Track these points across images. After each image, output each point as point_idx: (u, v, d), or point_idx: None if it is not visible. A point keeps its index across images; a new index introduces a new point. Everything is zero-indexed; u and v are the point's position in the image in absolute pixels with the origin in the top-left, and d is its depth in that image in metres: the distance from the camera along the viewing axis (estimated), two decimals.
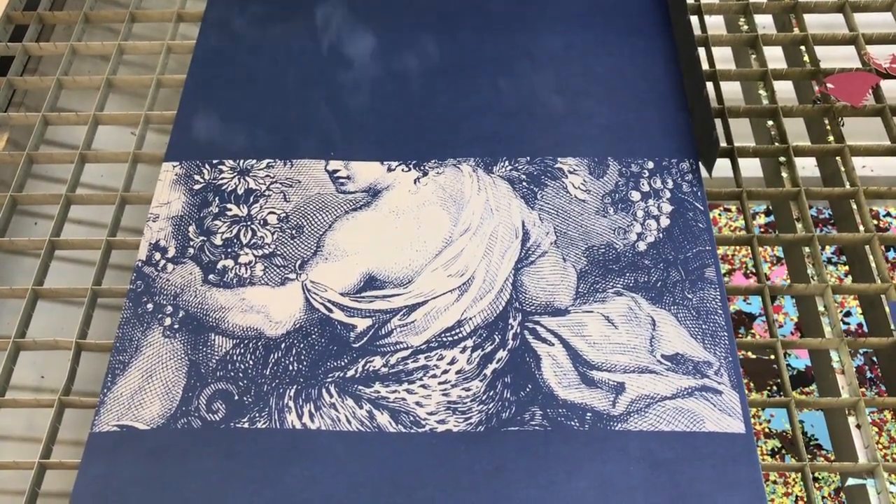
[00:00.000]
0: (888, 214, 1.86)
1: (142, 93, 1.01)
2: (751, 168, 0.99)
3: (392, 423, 0.72)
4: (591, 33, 1.00)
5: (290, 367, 0.76)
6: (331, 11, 1.03)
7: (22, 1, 1.09)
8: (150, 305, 0.80)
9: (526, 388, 0.74)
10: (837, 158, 0.93)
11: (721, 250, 1.75)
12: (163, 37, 1.04)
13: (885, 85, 0.96)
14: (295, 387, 0.75)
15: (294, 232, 0.84)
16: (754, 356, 1.67)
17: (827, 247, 1.71)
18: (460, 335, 0.77)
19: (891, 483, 0.74)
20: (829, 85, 0.94)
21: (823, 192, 0.89)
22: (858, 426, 0.75)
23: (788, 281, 0.94)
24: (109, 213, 0.89)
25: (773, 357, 0.76)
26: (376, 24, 1.02)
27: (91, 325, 0.83)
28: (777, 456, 1.58)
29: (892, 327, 0.80)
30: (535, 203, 0.85)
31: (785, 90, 1.01)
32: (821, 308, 0.83)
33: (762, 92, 0.99)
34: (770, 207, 1.75)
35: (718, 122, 0.91)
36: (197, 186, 0.88)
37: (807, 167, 1.05)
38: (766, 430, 1.61)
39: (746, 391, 1.62)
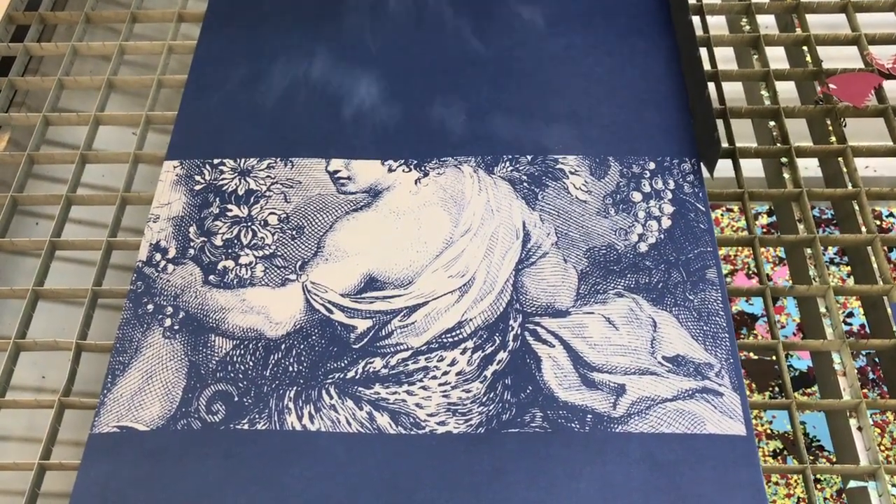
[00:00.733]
0: (891, 215, 1.86)
1: (143, 93, 1.01)
2: (753, 168, 0.99)
3: (392, 425, 0.72)
4: (593, 33, 0.99)
5: (291, 369, 0.76)
6: (331, 11, 1.03)
7: (23, 1, 1.09)
8: (150, 306, 0.80)
9: (526, 390, 0.74)
10: (840, 159, 0.92)
11: (723, 251, 1.75)
12: (164, 37, 1.04)
13: (888, 85, 0.95)
14: (295, 388, 0.74)
15: (294, 233, 0.84)
16: (756, 357, 1.66)
17: (829, 247, 1.71)
18: (461, 336, 0.77)
19: (893, 486, 0.73)
20: (831, 85, 0.94)
21: (826, 193, 0.88)
22: (860, 428, 0.75)
23: (790, 281, 0.94)
24: (110, 213, 0.89)
25: (774, 358, 0.76)
26: (377, 23, 1.01)
27: (92, 325, 0.83)
28: (779, 457, 1.57)
29: (895, 329, 0.80)
30: (536, 204, 0.85)
31: (787, 91, 1.01)
32: (822, 309, 0.82)
33: (764, 92, 0.99)
34: (772, 208, 1.75)
35: (720, 123, 0.91)
36: (197, 187, 0.88)
37: (809, 167, 1.05)
38: (768, 431, 1.61)
39: (748, 392, 1.62)
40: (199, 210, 0.86)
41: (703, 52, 0.97)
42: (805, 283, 0.86)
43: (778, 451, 1.58)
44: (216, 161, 0.89)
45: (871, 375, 1.61)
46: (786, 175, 0.92)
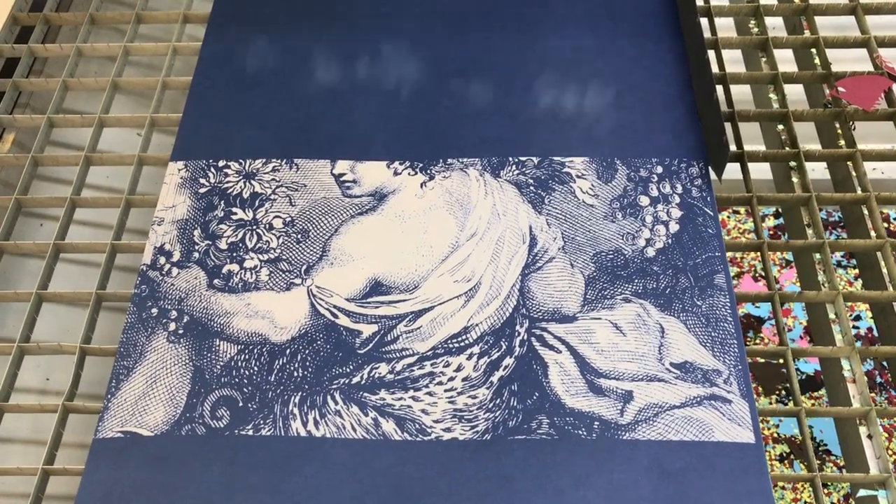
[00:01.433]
0: None
1: (148, 94, 1.01)
2: (761, 171, 0.98)
3: (397, 431, 0.72)
4: (600, 36, 0.99)
5: (295, 374, 0.75)
6: (336, 14, 1.03)
7: (28, 2, 1.09)
8: (154, 310, 0.79)
9: (533, 396, 0.73)
10: (849, 163, 0.92)
11: (730, 253, 1.74)
12: (169, 38, 1.03)
13: None
14: (300, 393, 0.74)
15: (300, 236, 0.83)
16: (763, 360, 1.65)
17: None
18: (467, 342, 0.76)
19: None
20: (840, 88, 0.93)
21: (835, 197, 0.88)
22: (870, 436, 0.74)
23: (798, 283, 0.93)
24: (115, 214, 0.88)
25: (781, 361, 0.76)
26: (383, 25, 1.01)
27: (97, 326, 0.83)
28: (785, 461, 1.57)
29: None
30: (542, 208, 0.84)
31: (795, 93, 1.00)
32: (832, 315, 0.82)
33: (772, 95, 0.98)
34: (780, 210, 1.74)
35: (728, 126, 0.90)
36: (202, 190, 0.87)
37: (817, 169, 1.04)
38: (775, 434, 1.60)
39: (755, 395, 1.61)
40: (203, 213, 0.86)
41: (711, 54, 0.96)
42: (814, 288, 0.85)
43: (785, 454, 1.58)
44: (221, 164, 0.89)
45: (878, 379, 1.60)
46: (794, 179, 0.92)
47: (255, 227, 0.84)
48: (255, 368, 0.75)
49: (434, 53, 0.98)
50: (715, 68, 0.95)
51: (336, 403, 0.73)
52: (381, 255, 0.81)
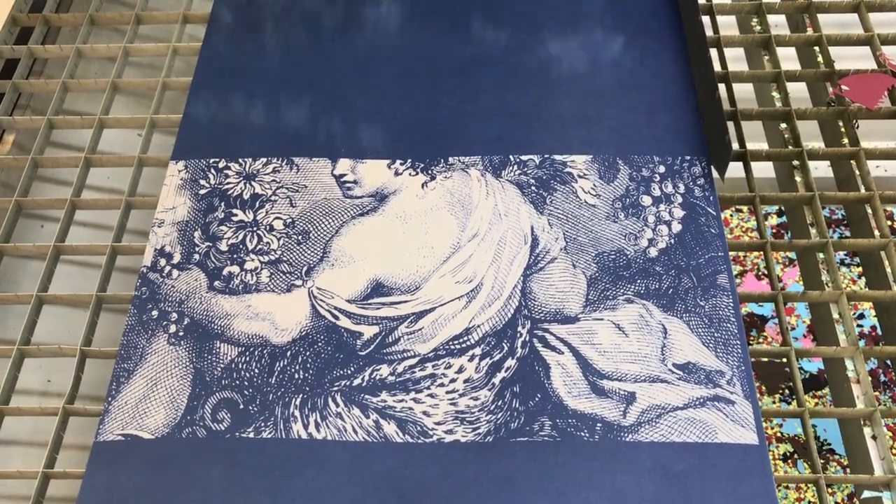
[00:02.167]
0: None
1: (148, 95, 1.00)
2: (764, 169, 0.98)
3: (399, 433, 0.71)
4: (602, 34, 0.98)
5: (296, 376, 0.75)
6: (336, 13, 1.02)
7: (27, 3, 1.08)
8: (154, 312, 0.79)
9: (535, 398, 0.73)
10: (852, 161, 0.91)
11: (734, 252, 1.73)
12: (169, 38, 1.03)
13: None
14: (301, 396, 0.74)
15: (300, 237, 0.83)
16: (766, 359, 1.65)
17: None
18: (468, 343, 0.76)
19: None
20: (843, 87, 0.93)
21: (838, 196, 0.87)
22: (874, 437, 0.74)
23: (801, 282, 0.92)
24: (115, 215, 0.88)
25: (785, 360, 0.75)
26: (383, 25, 1.00)
27: (97, 328, 0.82)
28: (789, 461, 1.56)
29: None
30: (544, 208, 0.84)
31: (798, 92, 0.99)
32: (835, 315, 0.81)
33: (775, 94, 0.98)
34: (783, 209, 1.74)
35: (731, 125, 0.90)
36: (202, 191, 0.87)
37: (820, 167, 1.03)
38: (779, 434, 1.59)
39: (758, 395, 1.61)
40: (204, 215, 0.85)
41: (714, 52, 0.96)
42: (817, 288, 0.84)
43: (788, 454, 1.57)
44: (221, 165, 0.89)
45: (882, 378, 1.60)
46: (797, 178, 0.91)
47: (255, 228, 0.84)
48: (256, 371, 0.75)
49: (435, 52, 0.97)
50: (717, 67, 0.95)
51: (337, 405, 0.73)
52: (382, 256, 0.81)
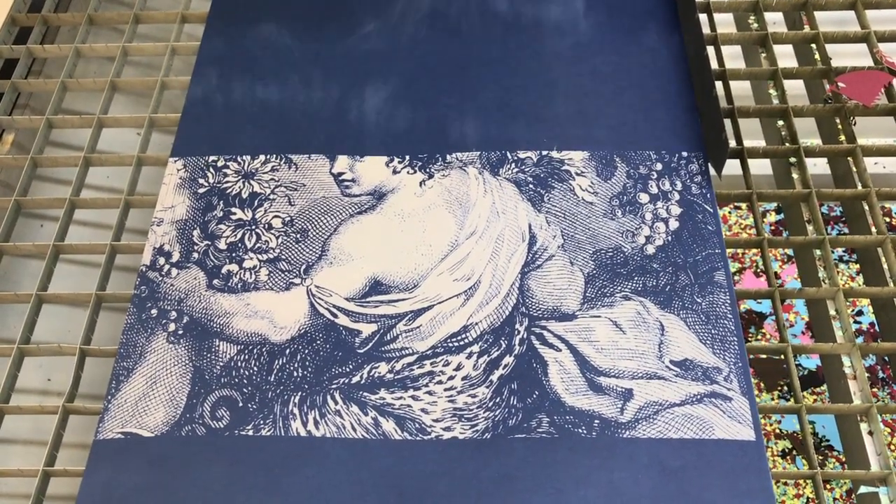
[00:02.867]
0: None
1: (147, 94, 1.01)
2: (761, 166, 0.98)
3: (397, 431, 0.72)
4: (599, 32, 0.98)
5: (295, 374, 0.75)
6: (334, 11, 1.02)
7: (26, 3, 1.09)
8: (154, 311, 0.79)
9: (533, 395, 0.73)
10: (849, 158, 0.91)
11: (731, 249, 1.74)
12: (168, 37, 1.03)
13: None
14: (300, 393, 0.74)
15: (299, 236, 0.83)
16: (764, 356, 1.65)
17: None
18: (466, 340, 0.76)
19: None
20: (840, 84, 0.93)
21: (835, 193, 0.87)
22: (871, 433, 0.74)
23: (799, 279, 0.93)
24: (115, 214, 0.88)
25: (783, 357, 0.76)
26: (381, 23, 1.01)
27: (97, 326, 0.83)
28: (788, 457, 1.57)
29: None
30: (541, 206, 0.84)
31: (795, 89, 1.00)
32: (832, 312, 0.81)
33: (772, 91, 0.98)
34: (780, 206, 1.74)
35: (728, 122, 0.90)
36: (201, 190, 0.87)
37: (818, 164, 1.04)
38: (777, 430, 1.60)
39: (756, 391, 1.61)
40: (202, 213, 0.85)
41: (711, 50, 0.96)
42: (814, 285, 0.85)
43: (787, 451, 1.57)
44: (220, 164, 0.89)
45: (880, 374, 1.60)
46: (794, 175, 0.91)
47: (254, 227, 0.84)
48: (255, 368, 0.75)
49: (432, 50, 0.97)
50: (714, 64, 0.95)
51: (336, 403, 0.73)
52: (380, 254, 0.81)
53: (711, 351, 0.75)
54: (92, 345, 0.80)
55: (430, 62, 0.96)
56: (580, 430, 0.71)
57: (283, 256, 0.82)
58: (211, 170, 0.89)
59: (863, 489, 0.72)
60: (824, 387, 1.60)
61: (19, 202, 0.90)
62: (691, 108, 0.91)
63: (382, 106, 0.93)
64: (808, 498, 1.51)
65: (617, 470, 0.69)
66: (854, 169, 0.90)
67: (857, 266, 1.73)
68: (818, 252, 0.87)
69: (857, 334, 0.72)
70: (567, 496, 0.68)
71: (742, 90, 1.05)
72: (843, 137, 0.93)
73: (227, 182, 0.88)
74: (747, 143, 0.90)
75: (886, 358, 1.59)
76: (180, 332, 0.78)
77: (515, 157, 0.88)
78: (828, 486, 1.51)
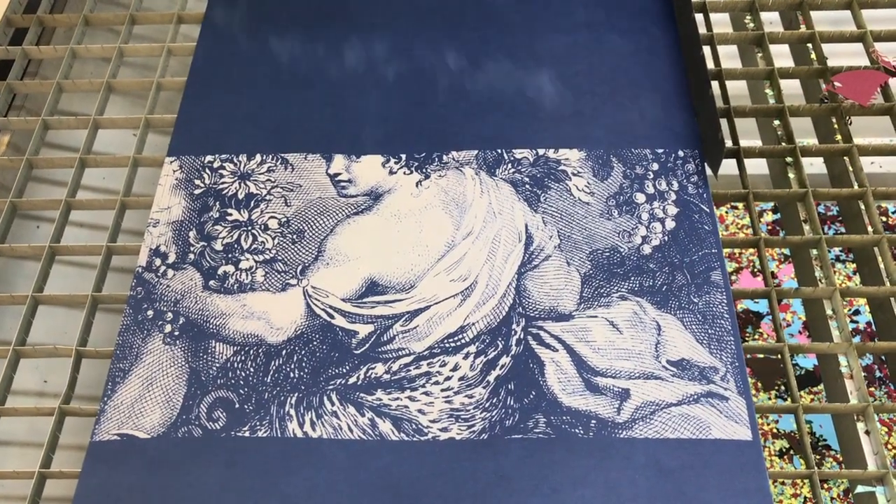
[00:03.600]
0: None
1: (143, 95, 1.01)
2: (757, 166, 0.98)
3: (394, 431, 0.72)
4: (595, 32, 0.98)
5: (292, 375, 0.75)
6: (331, 11, 1.02)
7: (22, 4, 1.08)
8: (150, 312, 0.79)
9: (529, 395, 0.73)
10: (845, 158, 0.91)
11: (728, 249, 1.74)
12: (163, 38, 1.03)
13: (894, 83, 0.94)
14: (296, 394, 0.74)
15: (295, 237, 0.83)
16: (761, 355, 1.65)
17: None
18: (463, 341, 0.76)
19: None
20: (836, 83, 0.93)
21: (831, 192, 0.87)
22: (867, 432, 0.74)
23: (796, 279, 0.93)
24: (111, 215, 0.88)
25: (780, 356, 0.76)
26: (378, 23, 1.01)
27: (93, 327, 0.82)
28: (785, 456, 1.57)
29: None
30: (538, 206, 0.84)
31: (791, 88, 1.00)
32: (829, 311, 0.81)
33: (768, 91, 0.98)
34: (777, 205, 1.74)
35: (724, 122, 0.90)
36: (197, 191, 0.87)
37: (814, 164, 1.04)
38: (774, 430, 1.60)
39: (753, 391, 1.61)
40: (198, 214, 0.85)
41: (707, 50, 0.96)
42: (811, 284, 0.85)
43: (784, 450, 1.58)
44: (216, 165, 0.89)
45: (877, 374, 1.60)
46: (791, 175, 0.91)
47: (250, 227, 0.84)
48: (252, 370, 0.75)
49: (429, 50, 0.97)
50: (710, 64, 0.95)
51: (332, 404, 0.73)
52: (376, 254, 0.81)
53: (708, 351, 0.75)
54: (88, 346, 0.80)
55: (427, 62, 0.96)
56: (577, 431, 0.71)
57: (279, 257, 0.82)
58: (207, 171, 0.88)
59: (860, 488, 0.72)
60: (821, 386, 1.60)
61: (15, 203, 0.90)
62: (688, 107, 0.91)
63: (379, 106, 0.93)
64: (805, 497, 1.51)
65: (614, 470, 0.69)
66: (850, 168, 0.90)
67: (854, 265, 1.73)
68: (815, 251, 0.87)
69: (854, 334, 0.72)
70: (564, 496, 0.68)
71: (738, 90, 1.05)
72: (839, 137, 0.93)
73: (223, 183, 0.87)
74: (744, 142, 0.90)
75: (883, 357, 1.59)
76: (176, 333, 0.78)
77: (512, 158, 0.87)
78: (825, 486, 1.51)
